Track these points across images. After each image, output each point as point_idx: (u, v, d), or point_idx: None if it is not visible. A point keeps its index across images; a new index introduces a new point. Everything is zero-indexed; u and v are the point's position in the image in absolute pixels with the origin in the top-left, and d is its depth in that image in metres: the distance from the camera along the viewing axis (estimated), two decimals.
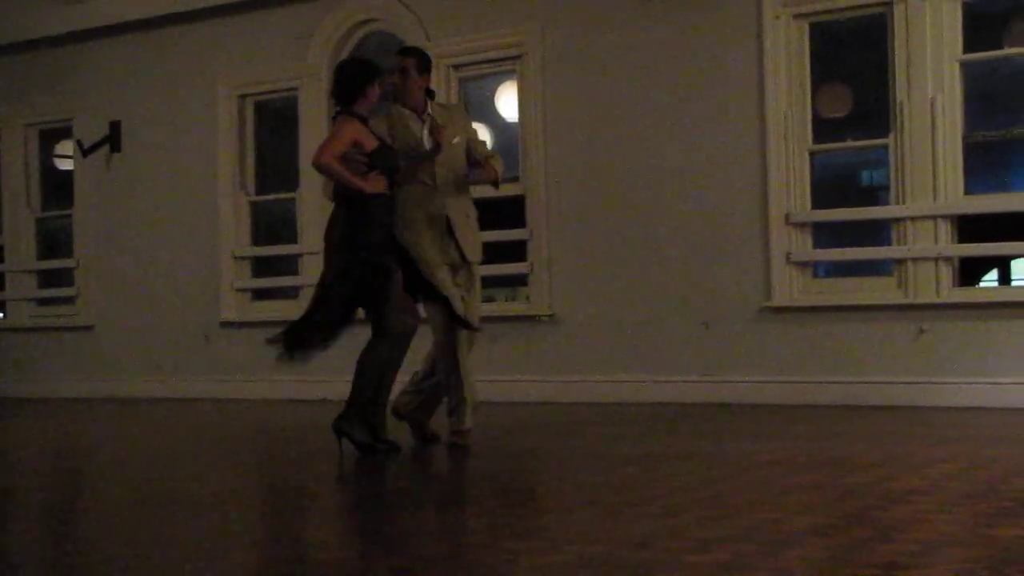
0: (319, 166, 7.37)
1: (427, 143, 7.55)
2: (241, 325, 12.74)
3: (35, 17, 13.78)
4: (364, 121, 7.39)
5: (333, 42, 12.34)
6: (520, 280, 11.57)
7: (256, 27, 12.67)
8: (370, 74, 7.44)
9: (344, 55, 12.39)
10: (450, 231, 7.60)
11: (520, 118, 11.55)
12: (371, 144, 7.27)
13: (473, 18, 11.56)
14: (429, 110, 7.68)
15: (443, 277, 7.57)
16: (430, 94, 7.81)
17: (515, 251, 11.41)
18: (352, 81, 7.41)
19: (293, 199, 12.64)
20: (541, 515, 5.49)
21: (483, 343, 11.32)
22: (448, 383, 7.72)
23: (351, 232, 7.36)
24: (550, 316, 11.08)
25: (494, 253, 11.68)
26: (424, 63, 7.81)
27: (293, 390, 12.04)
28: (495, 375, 11.13)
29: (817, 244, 10.25)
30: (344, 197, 7.45)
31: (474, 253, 7.77)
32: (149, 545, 4.76)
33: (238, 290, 12.96)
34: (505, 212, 11.45)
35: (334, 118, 7.80)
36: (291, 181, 12.67)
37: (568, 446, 8.03)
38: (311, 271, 12.45)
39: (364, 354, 7.48)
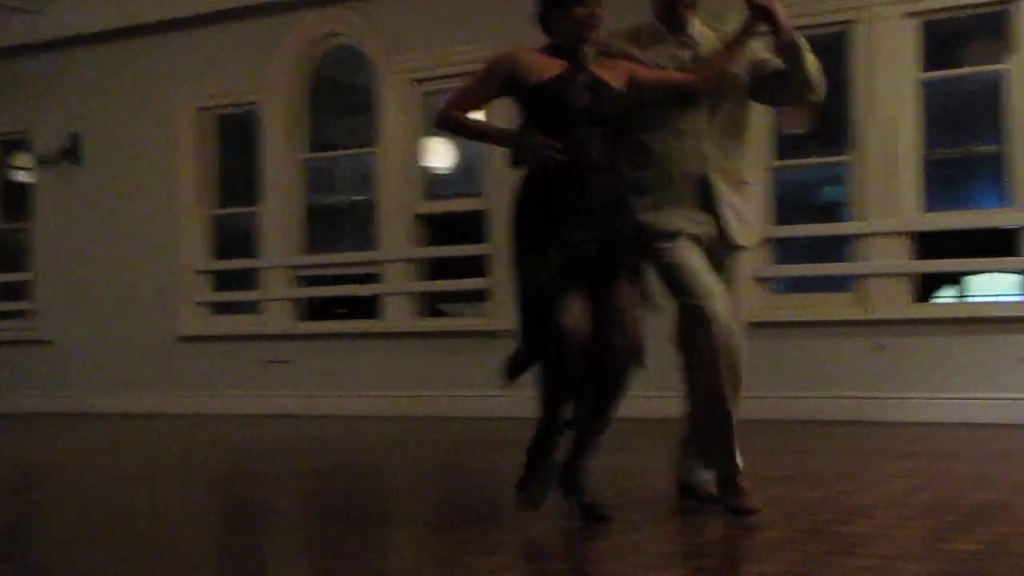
0: (437, 124, 5.39)
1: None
2: (201, 339, 12.73)
3: None
4: (566, 52, 4.88)
5: (294, 57, 12.33)
6: (480, 295, 11.57)
7: (217, 41, 12.62)
8: None
9: (306, 70, 12.42)
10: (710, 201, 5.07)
11: None
12: (537, 78, 4.86)
13: (437, 33, 11.58)
14: (694, 30, 5.11)
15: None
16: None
17: (476, 266, 11.44)
18: (540, 6, 4.96)
19: (255, 213, 12.63)
20: (503, 531, 5.43)
21: (443, 357, 11.41)
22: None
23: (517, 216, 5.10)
24: (512, 330, 11.10)
25: (455, 269, 11.76)
26: None
27: (255, 405, 12.03)
28: (458, 390, 11.18)
29: (779, 260, 10.33)
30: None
31: (744, 235, 5.20)
32: (105, 564, 4.71)
33: (198, 304, 12.94)
34: (471, 227, 11.49)
35: None
36: (253, 195, 12.65)
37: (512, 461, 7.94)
38: (272, 285, 12.49)
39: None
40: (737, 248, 5.14)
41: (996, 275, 11.43)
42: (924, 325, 9.66)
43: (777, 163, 10.25)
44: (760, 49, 5.16)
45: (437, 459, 8.27)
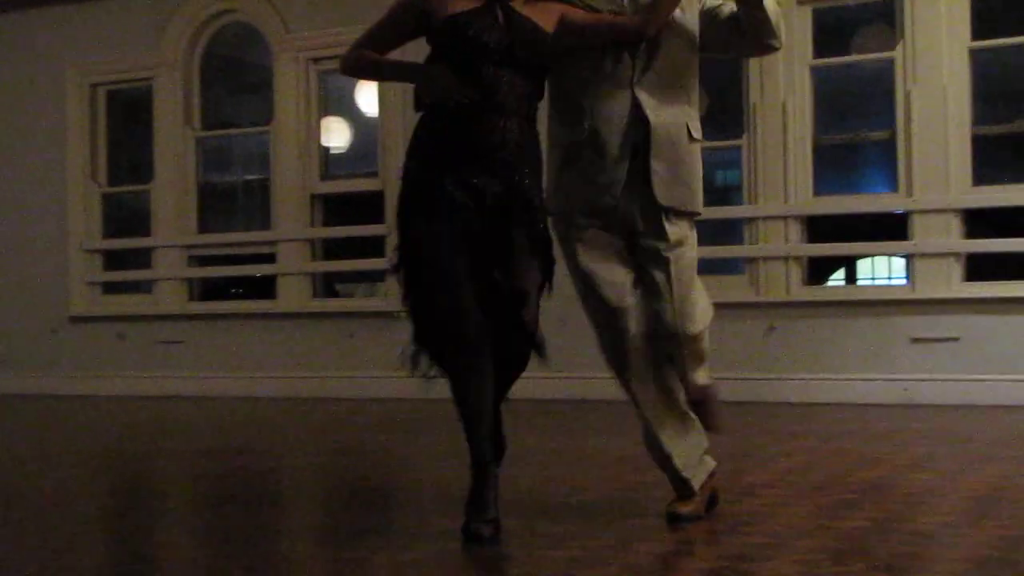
0: (341, 67, 4.80)
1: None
2: (91, 319, 12.58)
3: None
4: None
5: (189, 33, 12.22)
6: (377, 276, 11.56)
7: (111, 15, 12.47)
8: None
9: (200, 47, 12.31)
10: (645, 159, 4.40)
11: (380, 114, 11.55)
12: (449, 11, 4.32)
13: (333, 11, 11.52)
14: None
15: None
16: None
17: (374, 246, 11.40)
18: None
19: (148, 191, 12.49)
20: (398, 513, 5.52)
21: (338, 338, 11.37)
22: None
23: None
24: (405, 312, 11.09)
25: (355, 247, 11.73)
26: None
27: (147, 386, 11.93)
28: (354, 371, 11.16)
29: None
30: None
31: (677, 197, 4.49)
32: None
33: (88, 283, 12.78)
34: (368, 207, 11.47)
35: None
36: (146, 172, 12.52)
37: (422, 444, 7.96)
38: (165, 265, 12.37)
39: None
40: (683, 215, 4.49)
41: (883, 259, 11.63)
42: (814, 307, 9.79)
43: None
44: None
45: (331, 440, 8.24)
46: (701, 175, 4.61)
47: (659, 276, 4.43)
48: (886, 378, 9.39)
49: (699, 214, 4.60)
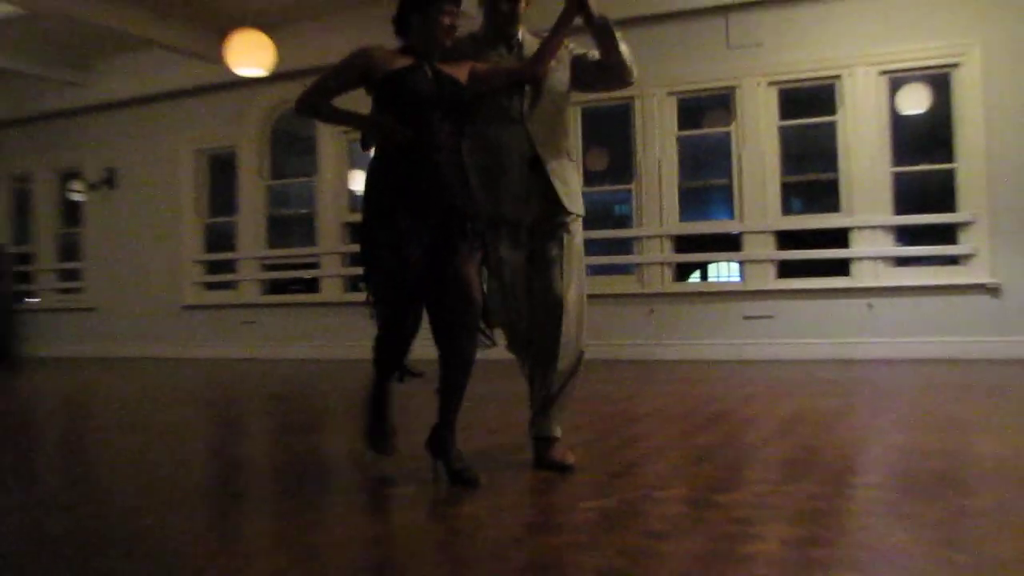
0: (297, 109, 4.01)
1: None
2: (198, 307, 12.59)
3: (53, 96, 13.36)
4: (417, 54, 3.86)
5: (261, 115, 12.22)
6: None
7: (209, 104, 12.46)
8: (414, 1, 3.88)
9: (269, 124, 12.31)
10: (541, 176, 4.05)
11: None
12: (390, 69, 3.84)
13: (358, 97, 11.54)
14: (520, 37, 4.18)
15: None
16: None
17: None
18: (398, 10, 3.96)
19: (235, 222, 12.48)
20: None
21: (362, 319, 11.40)
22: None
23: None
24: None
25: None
26: None
27: (231, 351, 11.96)
28: (371, 341, 11.19)
29: (586, 253, 10.45)
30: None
31: (574, 203, 4.15)
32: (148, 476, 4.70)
33: (195, 283, 12.78)
34: None
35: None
36: (232, 208, 12.53)
37: (412, 389, 7.81)
38: (245, 270, 12.38)
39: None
40: (569, 215, 4.09)
41: (725, 263, 11.77)
42: (680, 296, 9.87)
43: (584, 189, 10.41)
44: (576, 47, 4.19)
45: (359, 385, 8.22)
46: (580, 185, 4.33)
47: (555, 253, 4.08)
48: (726, 343, 9.51)
49: (583, 215, 4.21)
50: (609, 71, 4.12)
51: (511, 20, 4.12)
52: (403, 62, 3.85)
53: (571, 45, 4.21)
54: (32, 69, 12.39)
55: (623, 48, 4.04)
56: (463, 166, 3.92)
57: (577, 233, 4.15)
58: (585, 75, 4.19)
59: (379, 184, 3.80)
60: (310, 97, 3.93)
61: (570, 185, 4.12)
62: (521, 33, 4.18)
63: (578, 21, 3.96)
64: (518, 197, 4.03)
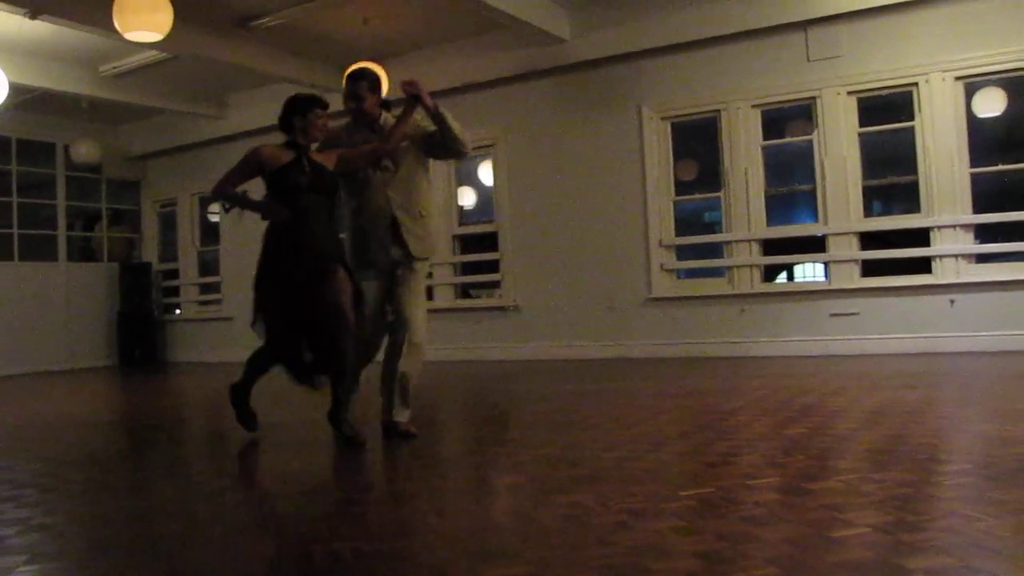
0: (212, 195, 5.17)
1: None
2: None
3: (194, 129, 13.80)
4: (298, 147, 4.85)
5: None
6: (495, 284, 11.68)
7: None
8: (295, 106, 4.89)
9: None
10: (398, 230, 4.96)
11: (494, 183, 11.59)
12: (275, 166, 4.85)
13: (463, 121, 11.60)
14: (382, 121, 5.01)
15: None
16: (386, 106, 5.10)
17: (492, 266, 11.53)
18: (283, 114, 4.91)
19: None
20: (513, 429, 5.53)
21: (472, 323, 11.51)
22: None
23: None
24: (515, 306, 11.22)
25: (481, 267, 11.86)
26: (374, 84, 5.06)
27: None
28: (484, 343, 11.29)
29: (679, 258, 10.40)
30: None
31: (421, 250, 5.01)
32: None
33: None
34: (488, 242, 11.60)
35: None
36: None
37: (521, 386, 7.88)
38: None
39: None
40: (417, 259, 4.93)
41: (810, 264, 11.58)
42: (768, 296, 9.70)
43: (676, 198, 10.37)
44: (428, 124, 4.94)
45: (472, 386, 8.28)
46: (435, 234, 5.17)
47: (403, 290, 4.90)
48: (813, 340, 9.33)
49: (429, 259, 5.07)
50: (444, 145, 4.96)
51: (360, 117, 4.98)
52: (287, 157, 4.84)
53: (423, 124, 4.96)
54: (176, 106, 12.83)
55: (455, 127, 4.91)
56: (334, 228, 4.90)
57: (421, 270, 5.02)
58: (431, 148, 5.03)
59: (270, 244, 4.88)
60: (221, 187, 4.94)
61: (421, 237, 4.99)
62: (384, 117, 5.00)
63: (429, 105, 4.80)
64: (383, 248, 4.94)
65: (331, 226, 4.91)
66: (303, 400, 6.47)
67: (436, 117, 4.87)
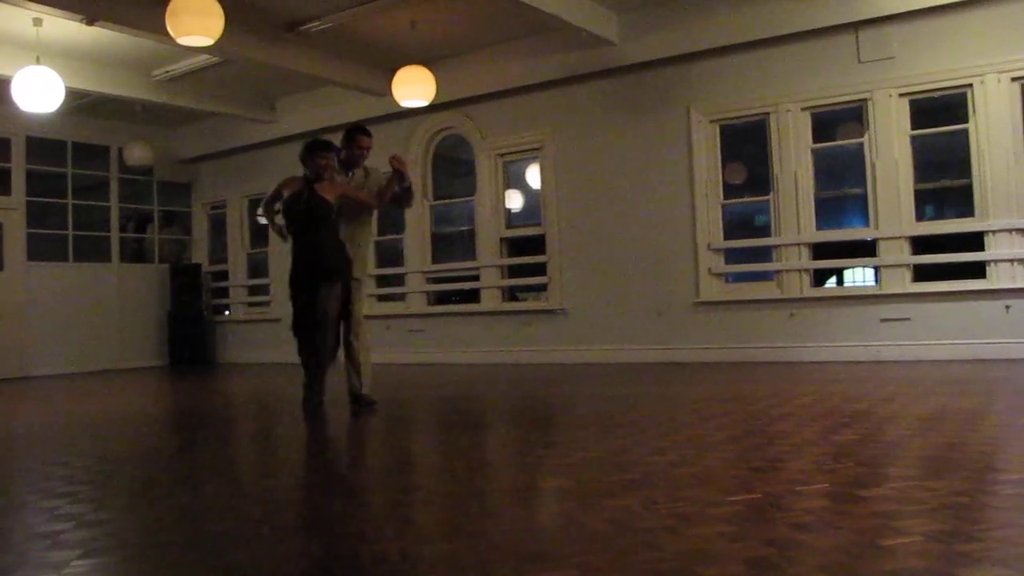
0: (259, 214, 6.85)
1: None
2: (369, 318, 12.85)
3: (244, 132, 14.00)
4: (308, 180, 6.40)
5: (425, 141, 12.50)
6: (543, 287, 11.68)
7: (376, 132, 12.68)
8: (307, 150, 6.46)
9: (431, 149, 12.56)
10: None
11: (542, 186, 11.63)
12: (287, 194, 6.46)
13: (511, 124, 11.72)
14: (363, 166, 6.83)
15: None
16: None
17: (539, 269, 11.54)
18: (300, 154, 6.52)
19: (401, 238, 12.75)
20: (558, 431, 5.57)
21: (519, 326, 11.53)
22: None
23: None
24: (562, 309, 11.21)
25: (528, 270, 11.87)
26: (344, 138, 6.82)
27: (405, 358, 12.19)
28: (531, 346, 11.30)
29: (727, 261, 10.34)
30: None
31: (356, 272, 6.62)
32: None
33: (368, 296, 13.06)
34: (535, 245, 11.60)
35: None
36: (400, 227, 12.76)
37: (567, 388, 7.94)
38: (409, 283, 12.59)
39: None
40: (355, 279, 6.57)
41: (860, 268, 11.41)
42: (818, 300, 9.64)
43: (724, 201, 10.30)
44: (382, 181, 6.78)
45: (518, 389, 8.28)
46: (365, 256, 6.82)
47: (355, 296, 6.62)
48: (863, 345, 9.24)
49: (359, 279, 6.66)
50: (400, 202, 6.94)
51: (330, 169, 6.50)
52: (297, 187, 6.39)
53: (381, 178, 6.84)
54: (226, 109, 13.00)
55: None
56: (341, 245, 6.47)
57: (361, 285, 6.71)
58: (385, 200, 6.79)
59: (294, 260, 6.45)
60: (263, 205, 6.92)
61: (356, 260, 6.63)
62: (363, 164, 6.82)
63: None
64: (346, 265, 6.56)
65: (331, 244, 6.38)
66: (346, 403, 6.52)
67: (408, 189, 6.79)
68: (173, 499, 3.65)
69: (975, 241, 8.90)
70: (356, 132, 6.83)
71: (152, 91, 11.96)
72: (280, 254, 13.69)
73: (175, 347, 14.52)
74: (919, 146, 9.26)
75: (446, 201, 12.92)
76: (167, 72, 11.63)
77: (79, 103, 12.27)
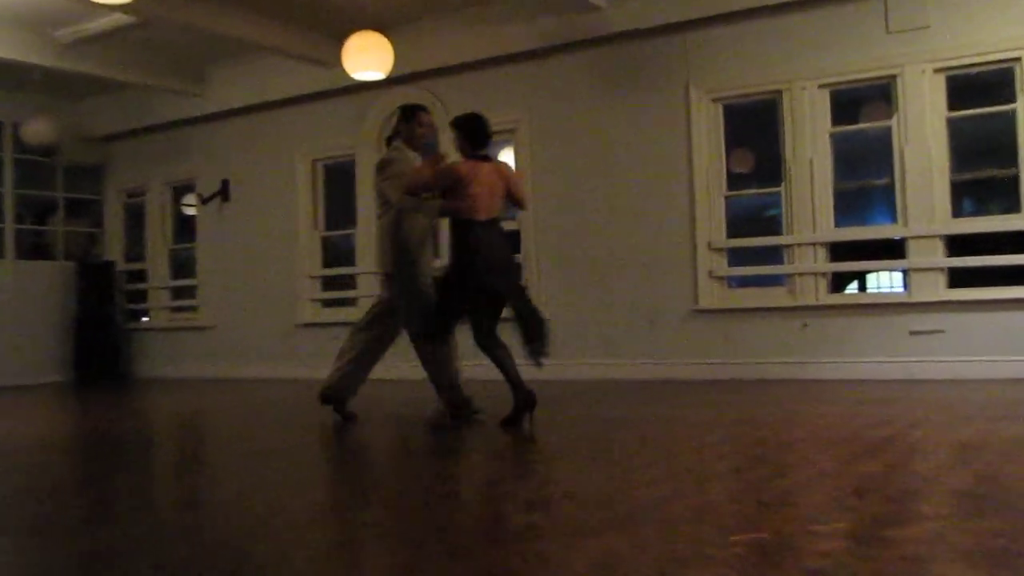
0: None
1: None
2: (314, 326, 12.85)
3: (167, 107, 13.92)
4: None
5: (380, 120, 12.46)
6: None
7: (325, 111, 12.79)
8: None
9: (386, 132, 12.52)
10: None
11: None
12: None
13: (481, 102, 11.67)
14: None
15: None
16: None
17: None
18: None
19: (352, 234, 12.75)
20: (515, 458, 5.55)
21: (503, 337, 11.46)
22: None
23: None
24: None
25: None
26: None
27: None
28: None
29: (731, 263, 10.37)
30: None
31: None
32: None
33: (311, 300, 13.07)
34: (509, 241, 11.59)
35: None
36: (351, 220, 12.78)
37: (543, 413, 7.83)
38: (367, 288, 12.59)
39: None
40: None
41: (887, 273, 11.51)
42: (836, 309, 9.69)
43: (728, 193, 10.34)
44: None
45: (487, 408, 8.25)
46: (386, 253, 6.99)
47: None
48: (889, 361, 9.29)
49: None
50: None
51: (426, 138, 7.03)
52: (442, 164, 6.80)
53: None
54: (144, 80, 12.91)
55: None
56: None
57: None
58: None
59: (472, 249, 6.68)
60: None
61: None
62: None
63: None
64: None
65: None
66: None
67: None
68: (78, 540, 3.60)
69: (1021, 241, 8.98)
70: (417, 109, 6.99)
71: (55, 56, 11.82)
72: (214, 250, 13.64)
73: (82, 359, 14.39)
74: (956, 130, 9.34)
75: None
76: (74, 33, 11.51)
77: None
